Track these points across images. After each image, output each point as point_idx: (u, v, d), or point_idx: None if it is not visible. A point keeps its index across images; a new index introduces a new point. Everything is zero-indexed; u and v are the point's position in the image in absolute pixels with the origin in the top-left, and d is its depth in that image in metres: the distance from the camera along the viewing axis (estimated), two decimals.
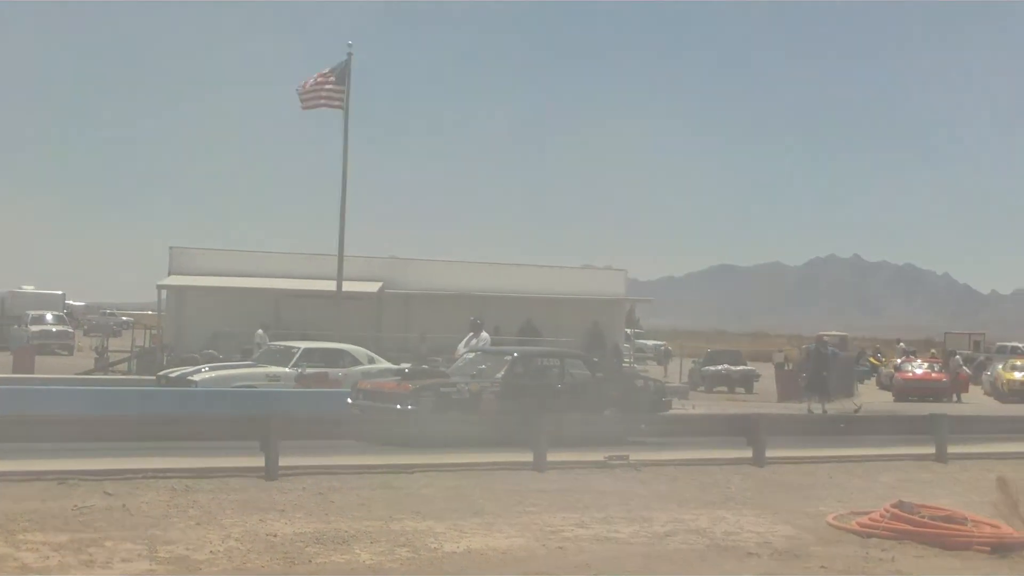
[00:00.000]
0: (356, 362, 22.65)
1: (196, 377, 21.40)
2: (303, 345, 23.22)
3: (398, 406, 17.19)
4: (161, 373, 23.08)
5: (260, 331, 28.57)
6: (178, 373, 22.27)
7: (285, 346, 23.66)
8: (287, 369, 22.00)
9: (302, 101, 27.06)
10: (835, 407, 28.28)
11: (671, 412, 20.41)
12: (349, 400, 18.65)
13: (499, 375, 18.41)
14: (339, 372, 22.24)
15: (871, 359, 48.23)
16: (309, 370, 22.03)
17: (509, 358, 19.04)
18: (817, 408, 28.07)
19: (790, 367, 36.63)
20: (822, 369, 29.48)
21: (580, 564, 9.27)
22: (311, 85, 26.95)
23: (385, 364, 23.02)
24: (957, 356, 41.26)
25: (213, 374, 21.73)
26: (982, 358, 41.55)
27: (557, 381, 18.88)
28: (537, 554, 9.60)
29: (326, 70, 27.04)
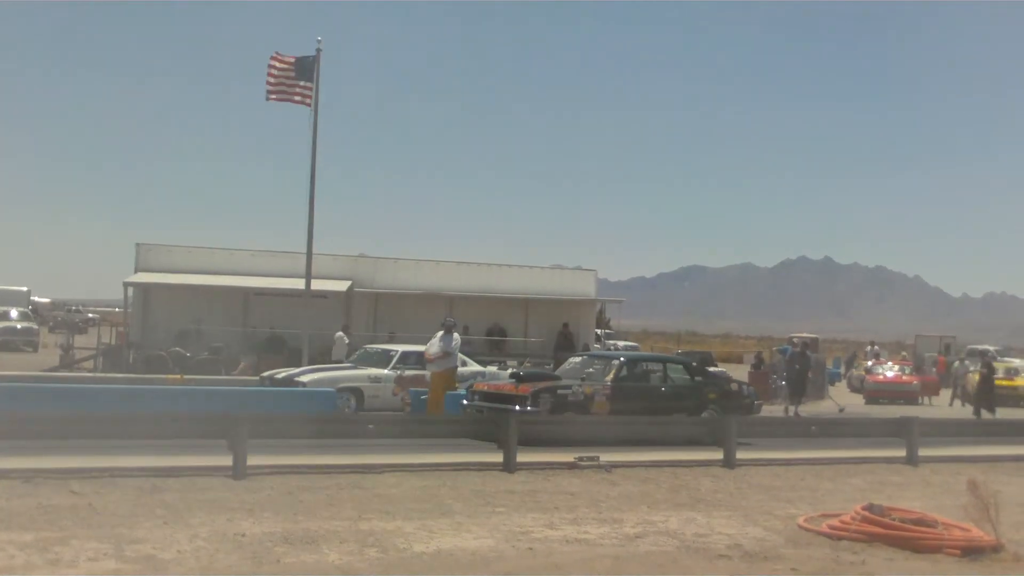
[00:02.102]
0: None
1: (304, 379, 22.11)
2: (401, 348, 24.10)
3: (517, 407, 17.75)
4: (266, 374, 23.79)
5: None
6: (284, 375, 22.91)
7: (383, 349, 24.54)
8: (387, 371, 22.90)
9: (268, 88, 26.72)
10: (806, 409, 28.41)
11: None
12: (464, 402, 19.35)
13: (608, 378, 19.22)
14: None
15: (860, 362, 48.59)
16: (408, 372, 22.81)
17: (616, 362, 19.98)
18: (792, 410, 28.24)
19: (764, 368, 36.74)
20: (805, 371, 29.69)
21: (550, 565, 9.21)
22: (275, 72, 26.61)
23: (476, 367, 24.02)
24: (966, 361, 41.18)
25: (319, 376, 22.46)
26: (956, 362, 41.77)
27: (661, 384, 19.97)
28: (506, 555, 9.53)
29: (289, 58, 26.67)
